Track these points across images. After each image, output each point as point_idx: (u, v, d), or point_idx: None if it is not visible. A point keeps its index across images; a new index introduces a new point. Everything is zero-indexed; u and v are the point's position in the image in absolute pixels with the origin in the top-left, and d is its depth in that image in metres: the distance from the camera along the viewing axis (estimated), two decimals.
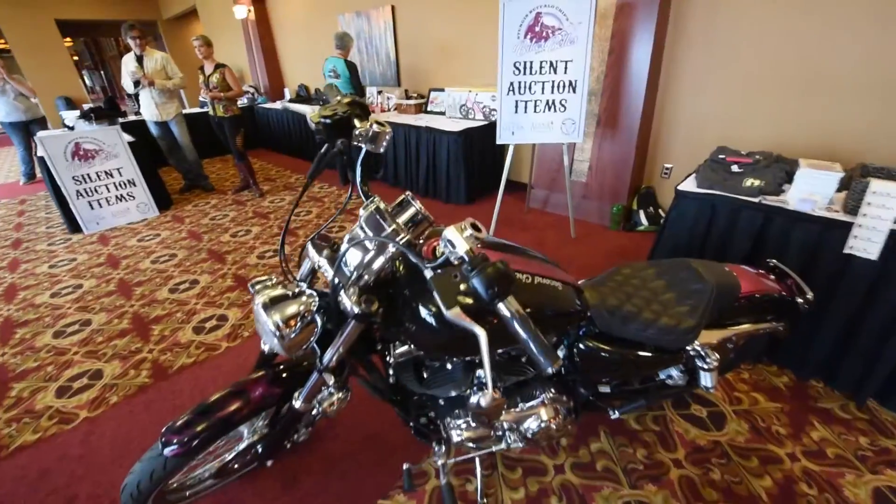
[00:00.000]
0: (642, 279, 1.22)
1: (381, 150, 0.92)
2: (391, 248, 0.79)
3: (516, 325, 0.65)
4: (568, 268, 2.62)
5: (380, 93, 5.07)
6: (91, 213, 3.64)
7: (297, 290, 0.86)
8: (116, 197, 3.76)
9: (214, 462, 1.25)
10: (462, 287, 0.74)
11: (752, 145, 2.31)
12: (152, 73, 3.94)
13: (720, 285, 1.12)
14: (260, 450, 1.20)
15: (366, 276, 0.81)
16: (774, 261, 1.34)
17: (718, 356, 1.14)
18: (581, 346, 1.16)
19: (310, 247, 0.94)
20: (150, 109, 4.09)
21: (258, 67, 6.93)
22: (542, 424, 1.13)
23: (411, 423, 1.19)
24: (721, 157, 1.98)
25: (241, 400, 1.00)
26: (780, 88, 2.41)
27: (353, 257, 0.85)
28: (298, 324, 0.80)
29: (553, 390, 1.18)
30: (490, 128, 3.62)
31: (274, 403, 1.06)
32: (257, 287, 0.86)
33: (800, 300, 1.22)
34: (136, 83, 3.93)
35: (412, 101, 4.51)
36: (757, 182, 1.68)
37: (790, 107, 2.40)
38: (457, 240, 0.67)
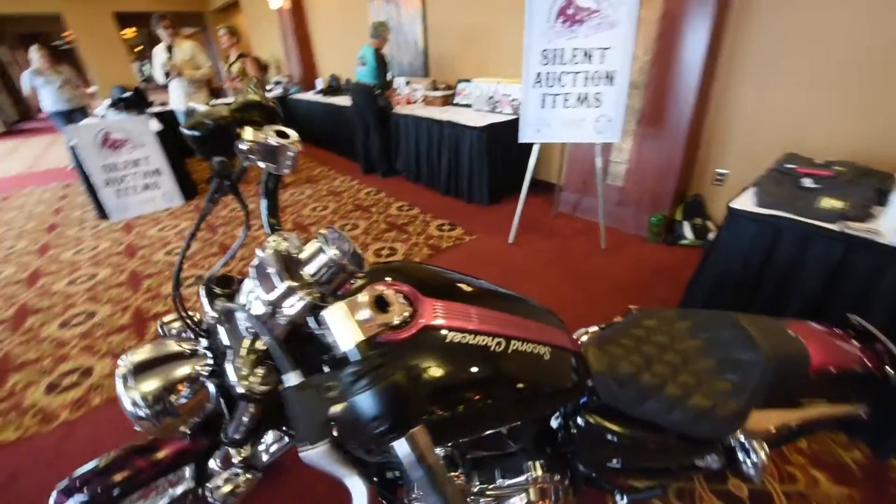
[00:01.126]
0: (670, 336, 0.93)
1: (286, 170, 0.70)
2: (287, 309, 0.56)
3: (418, 475, 0.41)
4: (594, 284, 2.34)
5: (408, 83, 4.86)
6: (118, 201, 3.72)
7: (181, 348, 0.66)
8: (143, 185, 3.83)
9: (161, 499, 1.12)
10: (337, 409, 0.48)
11: (831, 152, 1.87)
12: (181, 64, 3.95)
13: (780, 357, 0.81)
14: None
15: (258, 344, 0.60)
16: (857, 318, 1.00)
17: (768, 450, 0.84)
18: (579, 419, 0.90)
19: (202, 294, 0.72)
20: (178, 99, 4.13)
21: (292, 57, 6.93)
22: None
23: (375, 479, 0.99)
24: (790, 166, 1.60)
25: (147, 459, 0.83)
26: (872, 80, 1.95)
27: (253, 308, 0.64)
28: (167, 401, 0.60)
29: (543, 466, 0.94)
30: (518, 123, 3.32)
31: (193, 459, 0.88)
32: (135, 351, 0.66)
33: (892, 372, 0.89)
34: (167, 74, 3.96)
35: (438, 93, 4.26)
36: (837, 203, 1.31)
37: (885, 103, 1.93)
38: (340, 325, 0.44)
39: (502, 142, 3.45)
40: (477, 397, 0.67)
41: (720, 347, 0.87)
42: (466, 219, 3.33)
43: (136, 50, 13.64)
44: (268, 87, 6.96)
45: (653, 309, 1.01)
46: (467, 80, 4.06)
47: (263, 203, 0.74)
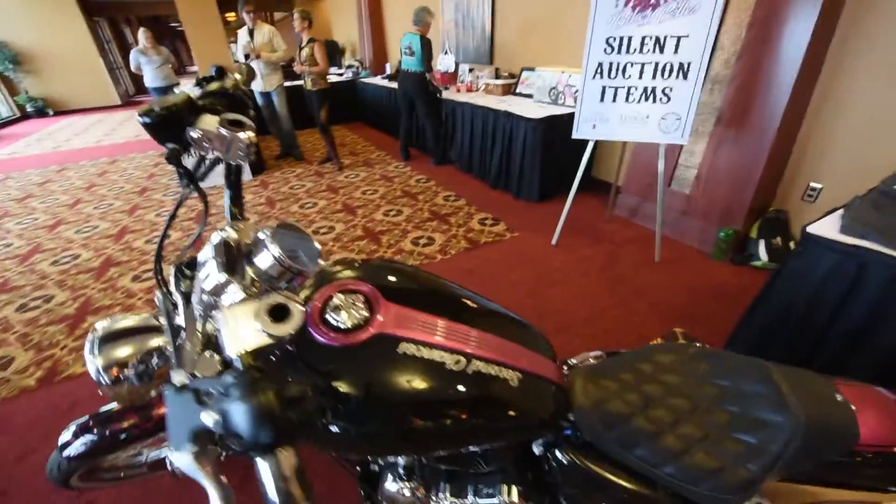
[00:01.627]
0: (684, 377, 0.79)
1: (236, 161, 0.68)
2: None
3: (272, 500, 0.38)
4: (637, 299, 2.12)
5: (471, 70, 4.77)
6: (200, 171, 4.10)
7: (157, 322, 0.68)
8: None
9: (148, 452, 1.20)
10: (206, 416, 0.43)
11: None
12: (260, 46, 4.22)
13: (816, 424, 0.65)
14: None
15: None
16: None
17: None
18: (559, 454, 0.80)
19: (172, 274, 0.73)
20: (256, 80, 4.42)
21: (366, 42, 7.10)
22: None
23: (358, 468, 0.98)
24: None
25: (141, 417, 0.89)
26: None
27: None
28: (129, 371, 0.62)
29: (521, 492, 0.86)
30: None
31: None
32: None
33: None
34: (247, 56, 4.25)
35: (500, 82, 4.11)
36: None
37: None
38: (229, 331, 0.41)
39: (560, 136, 3.23)
40: (423, 416, 0.61)
41: (741, 400, 0.72)
42: (511, 215, 3.20)
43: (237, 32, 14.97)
44: (339, 72, 7.24)
45: (673, 343, 0.86)
46: (531, 69, 3.87)
47: (226, 193, 0.73)
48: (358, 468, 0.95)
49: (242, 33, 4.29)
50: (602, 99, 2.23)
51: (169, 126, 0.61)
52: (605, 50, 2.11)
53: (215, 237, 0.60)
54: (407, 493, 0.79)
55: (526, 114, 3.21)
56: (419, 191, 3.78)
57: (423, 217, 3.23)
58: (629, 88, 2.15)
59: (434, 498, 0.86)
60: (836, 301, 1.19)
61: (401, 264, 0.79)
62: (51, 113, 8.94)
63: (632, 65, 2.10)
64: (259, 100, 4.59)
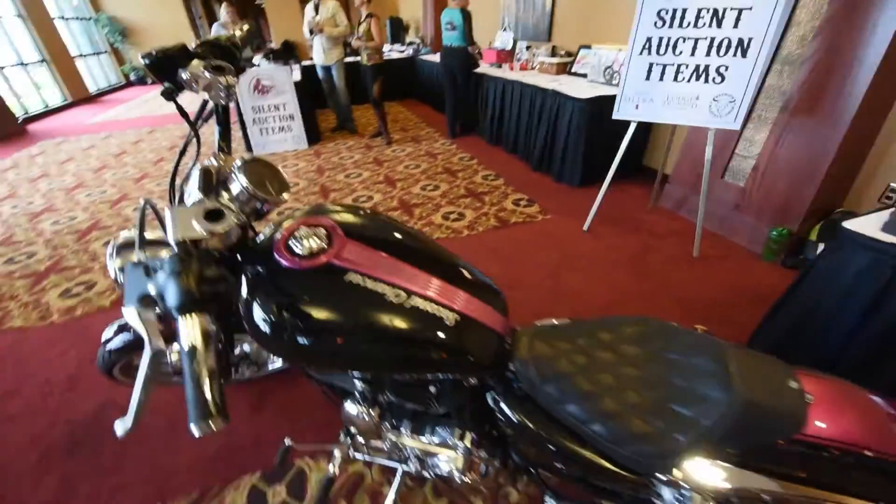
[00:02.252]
0: (641, 347, 0.78)
1: (221, 101, 0.77)
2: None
3: (183, 354, 0.47)
4: (663, 295, 2.03)
5: (528, 48, 4.62)
6: (260, 137, 4.46)
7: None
8: (279, 128, 4.50)
9: (172, 362, 1.38)
10: (149, 284, 0.56)
11: None
12: (323, 21, 4.40)
13: (757, 404, 0.63)
14: None
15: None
16: None
17: None
18: (503, 405, 0.84)
19: (175, 192, 0.82)
20: (318, 54, 4.64)
21: (428, 19, 7.10)
22: (451, 472, 0.89)
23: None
24: None
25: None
26: None
27: None
28: None
29: (474, 440, 0.91)
30: None
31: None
32: None
33: None
34: (311, 31, 4.47)
35: (555, 60, 3.95)
36: None
37: None
38: (170, 223, 0.52)
39: (608, 119, 3.05)
40: (362, 338, 0.69)
41: (688, 375, 0.71)
42: (547, 197, 3.13)
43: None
44: (401, 49, 7.33)
45: (642, 317, 0.85)
46: (588, 47, 3.68)
47: (216, 129, 0.83)
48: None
49: (309, 8, 4.49)
50: (648, 77, 2.09)
51: (164, 67, 0.71)
52: (655, 23, 1.97)
53: (200, 166, 0.70)
54: (366, 417, 0.88)
55: (574, 93, 3.08)
56: (460, 168, 3.81)
57: (459, 193, 3.27)
58: (679, 66, 1.99)
59: (395, 431, 0.94)
60: (869, 302, 1.07)
61: (371, 211, 0.85)
62: (149, 82, 10.05)
63: (684, 40, 1.94)
64: (320, 73, 4.82)
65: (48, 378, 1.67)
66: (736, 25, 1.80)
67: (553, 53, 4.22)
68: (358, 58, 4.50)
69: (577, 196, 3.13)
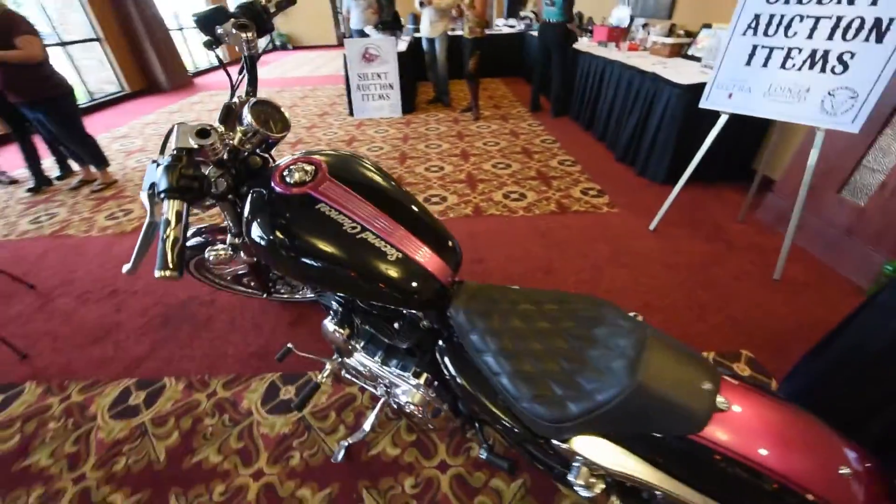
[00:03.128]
0: (577, 322, 0.79)
1: (246, 52, 0.93)
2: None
3: (161, 226, 0.67)
4: (716, 311, 1.84)
5: (645, 26, 4.20)
6: (360, 103, 4.87)
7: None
8: (378, 95, 4.85)
9: (231, 269, 1.70)
10: (155, 173, 0.75)
11: None
12: None
13: (655, 394, 0.62)
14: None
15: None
16: None
17: (599, 485, 0.69)
18: (446, 356, 0.92)
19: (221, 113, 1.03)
20: (425, 26, 4.82)
21: None
22: (406, 402, 1.02)
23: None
24: None
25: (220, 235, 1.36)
26: None
27: None
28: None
29: (427, 378, 1.02)
30: None
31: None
32: None
33: None
34: (421, 3, 4.65)
35: (669, 41, 3.55)
36: None
37: None
38: (172, 138, 0.73)
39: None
40: (318, 256, 0.83)
41: (604, 352, 0.71)
42: (621, 191, 2.93)
43: None
44: (510, 24, 7.16)
45: (591, 297, 0.84)
46: (709, 26, 3.22)
47: (246, 75, 1.01)
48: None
49: None
50: (749, 62, 1.81)
51: (206, 24, 0.91)
52: None
53: (225, 103, 0.89)
54: (337, 334, 1.04)
55: (675, 79, 2.77)
56: (539, 150, 3.72)
57: (528, 175, 3.22)
58: (790, 50, 1.69)
59: (370, 357, 1.09)
60: None
61: (364, 160, 0.98)
62: (290, 47, 11.44)
63: (801, 18, 1.63)
64: (424, 45, 5.02)
65: None
66: (874, 2, 1.46)
67: (670, 33, 3.78)
68: (461, 32, 4.57)
69: (656, 193, 2.86)
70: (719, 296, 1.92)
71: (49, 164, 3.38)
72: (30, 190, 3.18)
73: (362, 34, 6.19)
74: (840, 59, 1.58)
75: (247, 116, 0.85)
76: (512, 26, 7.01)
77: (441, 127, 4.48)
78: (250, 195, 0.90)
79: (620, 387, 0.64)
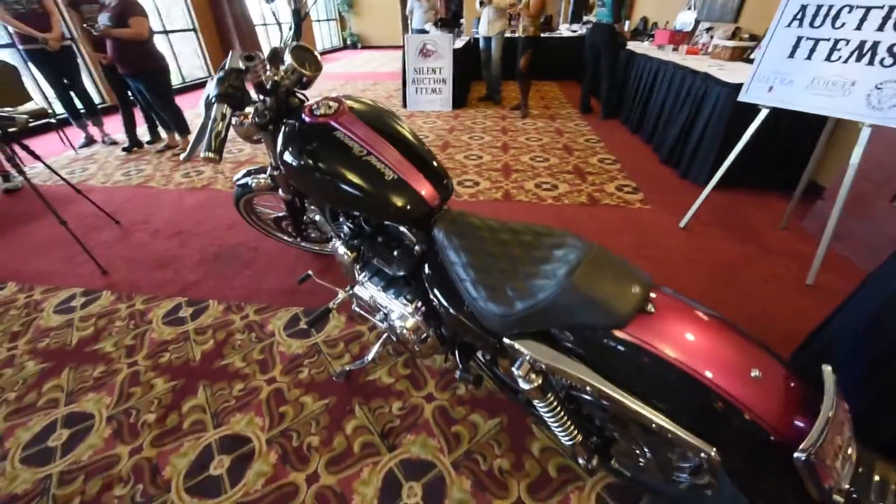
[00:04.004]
0: (540, 247, 0.88)
1: (294, 6, 1.12)
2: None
3: (211, 120, 0.87)
4: (736, 308, 1.80)
5: (708, 30, 4.07)
6: (414, 95, 5.12)
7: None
8: (431, 89, 5.07)
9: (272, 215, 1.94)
10: (213, 88, 0.95)
11: None
12: None
13: (582, 293, 0.70)
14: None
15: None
16: (831, 371, 0.63)
17: (537, 381, 0.78)
18: (429, 277, 1.05)
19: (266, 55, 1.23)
20: (483, 25, 4.98)
21: None
22: (400, 327, 1.16)
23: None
24: None
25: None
26: None
27: None
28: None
29: (418, 306, 1.15)
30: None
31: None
32: None
33: (801, 452, 0.56)
34: (481, 2, 4.82)
35: (730, 43, 3.42)
36: None
37: None
38: (230, 58, 0.89)
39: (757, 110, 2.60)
40: (330, 174, 1.00)
41: (555, 264, 0.80)
42: (659, 190, 2.88)
43: None
44: (572, 28, 7.12)
45: (573, 235, 0.93)
46: None
47: (294, 26, 1.19)
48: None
49: None
50: (792, 54, 1.76)
51: None
52: None
53: (273, 45, 1.09)
54: (346, 256, 1.20)
55: (726, 77, 2.69)
56: (580, 148, 3.73)
57: (564, 169, 3.25)
58: (836, 42, 1.63)
59: (372, 285, 1.25)
60: None
61: (385, 108, 1.13)
62: (359, 46, 12.13)
63: (851, 9, 1.57)
64: (481, 43, 5.18)
65: (221, 221, 2.50)
66: None
67: (733, 36, 3.64)
68: (516, 34, 4.68)
69: (695, 195, 2.76)
70: (741, 294, 1.86)
71: (142, 131, 3.93)
72: (125, 149, 3.73)
73: (423, 33, 6.49)
74: (890, 50, 1.50)
75: (287, 57, 1.03)
76: (574, 31, 6.99)
77: (487, 122, 4.60)
78: (284, 127, 1.09)
79: (556, 288, 0.73)
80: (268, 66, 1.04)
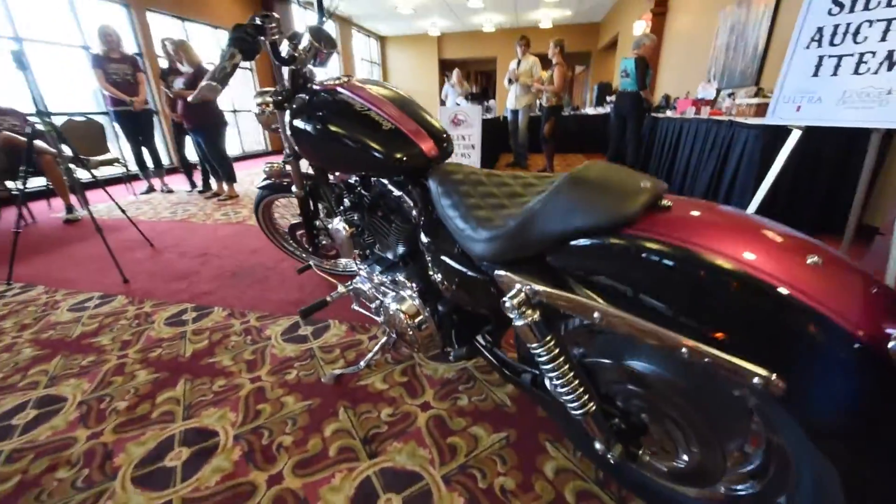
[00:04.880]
0: (527, 186, 0.80)
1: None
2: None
3: (223, 59, 0.97)
4: None
5: (730, 95, 4.17)
6: None
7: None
8: (461, 154, 5.37)
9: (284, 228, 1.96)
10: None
11: None
12: (521, 73, 5.16)
13: (587, 185, 0.62)
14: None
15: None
16: None
17: (532, 315, 0.64)
18: (423, 228, 0.97)
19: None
20: (511, 99, 5.40)
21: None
22: (395, 311, 1.07)
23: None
24: None
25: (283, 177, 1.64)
26: None
27: None
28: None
29: (414, 286, 1.06)
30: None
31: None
32: None
33: None
34: (509, 80, 5.29)
35: (754, 101, 3.44)
36: None
37: None
38: (250, 17, 0.99)
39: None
40: (332, 132, 1.02)
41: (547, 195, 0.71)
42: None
43: None
44: (597, 110, 7.57)
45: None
46: None
47: (319, 14, 1.31)
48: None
49: (513, 63, 5.35)
50: (816, 73, 1.72)
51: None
52: (830, 10, 1.65)
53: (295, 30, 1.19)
54: (343, 231, 1.16)
55: (751, 120, 2.66)
56: None
57: None
58: (861, 56, 1.58)
59: (370, 269, 1.19)
60: None
61: (389, 84, 1.18)
62: None
63: (871, 23, 1.55)
64: (508, 116, 5.57)
65: (246, 247, 2.58)
66: None
67: (757, 94, 3.69)
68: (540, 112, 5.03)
69: None
70: None
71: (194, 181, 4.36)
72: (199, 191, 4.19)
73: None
74: None
75: (305, 33, 1.12)
76: (598, 111, 7.43)
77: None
78: (297, 100, 1.15)
79: (553, 188, 0.64)
80: (281, 29, 1.12)
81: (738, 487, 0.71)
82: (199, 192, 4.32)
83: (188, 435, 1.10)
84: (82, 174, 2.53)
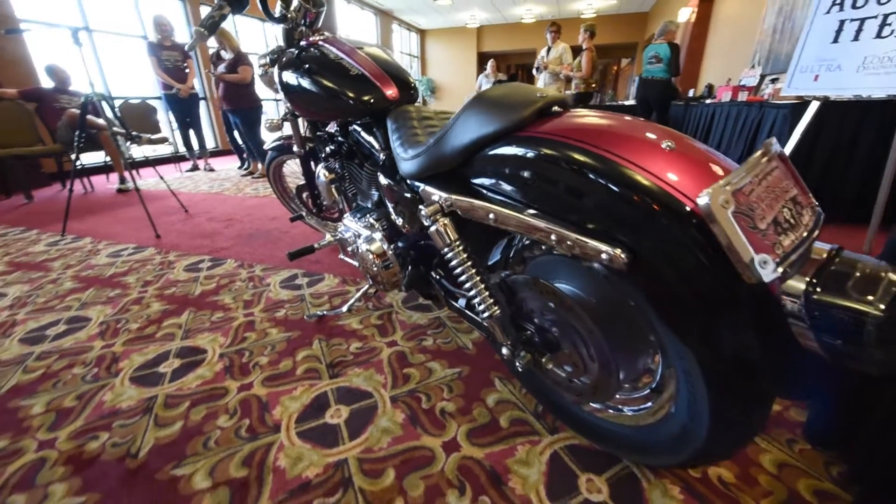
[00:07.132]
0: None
1: None
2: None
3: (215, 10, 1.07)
4: None
5: (774, 80, 3.92)
6: None
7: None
8: None
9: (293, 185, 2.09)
10: None
11: None
12: (550, 60, 5.09)
13: (486, 102, 0.68)
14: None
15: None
16: (778, 146, 0.49)
17: (442, 221, 0.71)
18: (381, 166, 1.05)
19: None
20: (538, 86, 5.36)
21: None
22: (364, 251, 1.16)
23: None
24: None
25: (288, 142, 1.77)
26: None
27: None
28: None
29: (382, 228, 1.15)
30: (857, 106, 2.09)
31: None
32: None
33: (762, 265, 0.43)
34: (537, 68, 5.24)
35: None
36: None
37: None
38: None
39: (825, 132, 2.32)
40: (310, 80, 1.13)
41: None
42: None
43: None
44: (623, 101, 7.29)
45: None
46: None
47: None
48: None
49: (543, 50, 5.29)
50: (836, 39, 1.62)
51: None
52: None
53: None
54: (322, 177, 1.27)
55: (779, 100, 2.51)
56: None
57: None
58: (885, 17, 1.48)
59: (348, 217, 1.28)
60: None
61: (376, 44, 1.26)
62: None
63: None
64: None
65: (267, 214, 2.78)
66: None
67: None
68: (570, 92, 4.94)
69: None
70: None
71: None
72: (240, 167, 4.61)
73: None
74: None
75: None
76: (627, 103, 7.17)
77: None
78: (290, 51, 1.26)
79: (464, 104, 0.70)
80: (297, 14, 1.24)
81: (643, 406, 0.73)
82: (238, 168, 4.65)
83: (182, 351, 1.25)
84: (136, 152, 2.85)
